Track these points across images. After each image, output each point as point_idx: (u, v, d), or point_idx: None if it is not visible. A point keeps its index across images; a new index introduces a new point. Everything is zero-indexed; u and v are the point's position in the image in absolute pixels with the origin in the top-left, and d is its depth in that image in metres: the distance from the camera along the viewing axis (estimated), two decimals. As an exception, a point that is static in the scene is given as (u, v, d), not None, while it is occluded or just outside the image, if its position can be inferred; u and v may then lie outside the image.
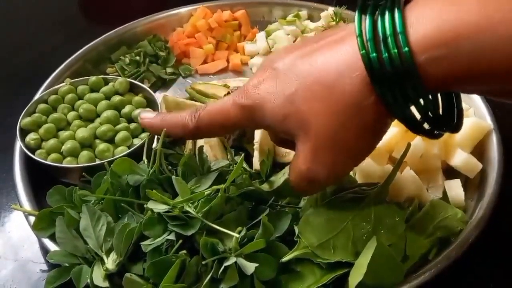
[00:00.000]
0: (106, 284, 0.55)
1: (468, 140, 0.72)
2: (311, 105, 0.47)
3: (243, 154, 0.65)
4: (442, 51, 0.40)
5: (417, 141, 0.68)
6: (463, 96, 0.79)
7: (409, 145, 0.61)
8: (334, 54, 0.46)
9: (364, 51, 0.43)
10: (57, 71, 0.89)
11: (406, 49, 0.41)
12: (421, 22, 0.41)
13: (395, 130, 0.70)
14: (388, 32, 0.42)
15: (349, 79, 0.44)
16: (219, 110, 0.55)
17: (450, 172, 0.71)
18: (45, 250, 0.64)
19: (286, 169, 0.69)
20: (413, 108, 0.46)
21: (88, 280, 0.56)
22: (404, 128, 0.69)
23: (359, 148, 0.49)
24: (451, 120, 0.50)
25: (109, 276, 0.56)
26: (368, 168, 0.68)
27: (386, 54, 0.42)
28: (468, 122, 0.73)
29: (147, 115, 0.63)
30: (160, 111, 0.77)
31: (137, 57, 0.95)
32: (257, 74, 0.52)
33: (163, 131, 0.59)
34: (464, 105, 0.76)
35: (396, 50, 0.41)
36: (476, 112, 0.77)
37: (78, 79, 0.82)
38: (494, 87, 0.43)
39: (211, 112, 0.56)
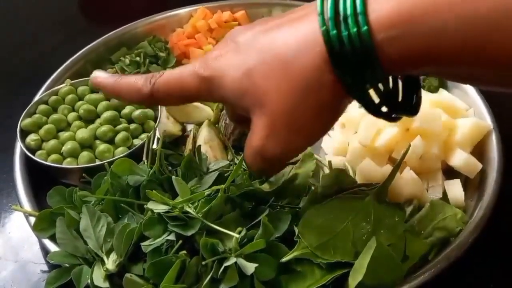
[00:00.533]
0: (107, 284, 0.55)
1: (468, 140, 0.72)
2: (268, 81, 0.46)
3: (243, 154, 0.65)
4: (399, 30, 0.41)
5: (417, 141, 0.68)
6: (463, 96, 0.79)
7: (409, 146, 0.62)
8: (295, 31, 0.46)
9: (324, 27, 0.43)
10: (57, 72, 0.89)
11: (365, 28, 0.41)
12: (380, 2, 0.42)
13: (395, 131, 0.70)
14: (348, 11, 0.42)
15: (308, 56, 0.44)
16: (177, 79, 0.53)
17: (450, 172, 0.71)
18: (45, 251, 0.64)
19: (286, 169, 0.69)
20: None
21: (89, 281, 0.56)
22: (404, 128, 0.70)
23: (314, 127, 0.49)
24: (409, 105, 0.51)
25: (109, 277, 0.56)
26: (368, 169, 0.68)
27: (346, 33, 0.42)
28: (468, 122, 0.73)
29: (100, 75, 0.59)
30: (160, 112, 0.77)
31: (137, 58, 0.95)
32: (219, 46, 0.51)
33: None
34: (464, 105, 0.77)
35: (355, 29, 0.42)
36: (476, 112, 0.78)
37: (79, 80, 0.83)
38: (458, 71, 0.43)
39: (168, 79, 0.54)
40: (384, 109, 0.48)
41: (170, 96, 0.54)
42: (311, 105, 0.46)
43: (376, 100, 0.47)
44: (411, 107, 0.51)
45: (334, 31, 0.43)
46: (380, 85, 0.46)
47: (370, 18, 0.41)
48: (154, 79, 0.54)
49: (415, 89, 0.51)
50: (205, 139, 0.73)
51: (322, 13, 0.44)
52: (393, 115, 0.50)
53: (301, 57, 0.45)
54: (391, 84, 0.49)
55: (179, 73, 0.53)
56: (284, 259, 0.56)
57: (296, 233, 0.58)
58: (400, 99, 0.50)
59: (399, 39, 0.41)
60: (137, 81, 0.55)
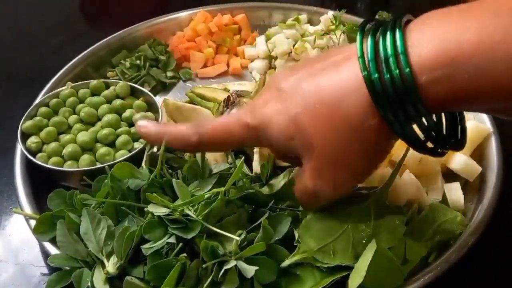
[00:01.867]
0: (107, 287, 0.55)
1: (468, 144, 0.71)
2: (315, 126, 0.47)
3: (243, 158, 0.65)
4: (443, 71, 0.41)
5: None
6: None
7: (408, 149, 0.62)
8: (337, 75, 0.47)
9: (366, 72, 0.44)
10: (58, 74, 0.89)
11: (408, 70, 0.41)
12: (421, 42, 0.42)
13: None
14: (389, 52, 0.43)
15: (352, 100, 0.45)
16: (223, 127, 0.55)
17: (450, 175, 0.71)
18: (45, 254, 0.64)
19: (287, 172, 0.70)
20: (416, 128, 0.46)
21: (89, 284, 0.56)
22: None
23: (362, 167, 0.50)
24: (454, 138, 0.51)
25: (110, 280, 0.56)
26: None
27: (388, 75, 0.42)
28: (467, 126, 0.72)
29: (145, 124, 0.60)
30: (161, 114, 0.77)
31: (138, 61, 0.95)
32: (263, 94, 0.53)
33: (163, 143, 0.58)
34: (463, 108, 0.77)
35: (397, 71, 0.42)
36: (475, 115, 0.78)
37: (79, 82, 0.83)
38: (499, 106, 0.43)
39: (215, 128, 0.56)
40: (429, 144, 0.49)
41: (216, 143, 0.56)
42: (358, 147, 0.47)
43: (421, 135, 0.47)
44: (457, 140, 0.52)
45: (376, 75, 0.43)
46: (424, 120, 0.46)
47: (412, 59, 0.41)
48: (201, 130, 0.56)
49: (460, 121, 0.52)
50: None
51: (362, 55, 0.44)
52: (439, 150, 0.50)
53: (345, 102, 0.45)
54: (434, 119, 0.48)
55: (225, 121, 0.56)
56: (284, 264, 0.56)
57: (296, 238, 0.58)
58: (444, 132, 0.50)
59: (443, 81, 0.41)
60: (183, 131, 0.57)
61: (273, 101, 0.51)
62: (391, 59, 0.42)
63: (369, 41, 0.45)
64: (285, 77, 0.51)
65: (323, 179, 0.50)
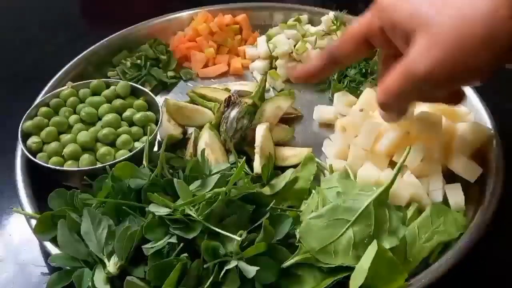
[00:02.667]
0: (108, 287, 0.55)
1: (468, 145, 0.72)
2: (443, 6, 0.50)
3: (244, 158, 0.65)
4: None
5: (418, 145, 0.68)
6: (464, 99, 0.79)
7: (409, 149, 0.62)
8: None
9: None
10: (58, 74, 0.89)
11: None
12: None
13: (395, 135, 0.70)
14: None
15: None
16: (352, 25, 0.61)
17: (451, 176, 0.71)
18: (46, 253, 0.64)
19: (287, 172, 0.70)
20: None
21: (90, 284, 0.56)
22: (405, 132, 0.70)
23: (471, 59, 0.49)
24: None
25: (111, 279, 0.56)
26: (369, 172, 0.68)
27: None
28: (468, 126, 0.73)
29: (294, 70, 0.69)
30: (161, 115, 0.77)
31: (139, 61, 0.95)
32: None
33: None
34: (464, 109, 0.77)
35: None
36: (476, 116, 0.78)
37: (80, 82, 0.83)
38: None
39: (344, 34, 0.63)
40: None
41: (345, 43, 0.61)
42: (480, 34, 0.47)
43: None
44: None
45: None
46: None
47: None
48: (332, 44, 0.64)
49: None
50: (206, 142, 0.73)
51: None
52: None
53: None
54: None
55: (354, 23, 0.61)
56: (286, 265, 0.56)
57: (298, 238, 0.58)
58: None
59: None
60: (322, 51, 0.65)
61: None
62: None
63: None
64: None
65: (426, 57, 0.50)
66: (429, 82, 0.51)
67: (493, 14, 0.47)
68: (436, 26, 0.49)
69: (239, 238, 0.54)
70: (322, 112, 0.84)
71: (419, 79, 0.51)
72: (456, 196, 0.68)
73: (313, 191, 0.67)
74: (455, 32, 0.48)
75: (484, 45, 0.48)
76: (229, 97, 0.77)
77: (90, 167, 0.70)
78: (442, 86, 0.52)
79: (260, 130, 0.74)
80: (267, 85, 0.92)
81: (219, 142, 0.75)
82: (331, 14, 0.98)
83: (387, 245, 0.57)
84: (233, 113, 0.75)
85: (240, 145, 0.75)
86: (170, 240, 0.55)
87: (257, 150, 0.72)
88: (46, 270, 0.66)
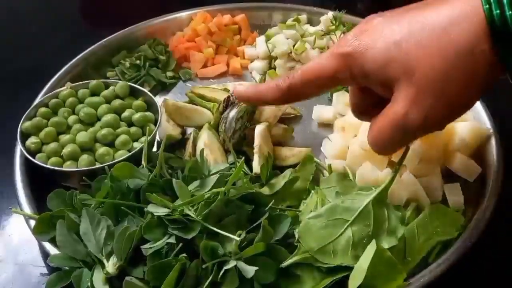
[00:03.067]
0: (107, 287, 0.55)
1: (467, 144, 0.72)
2: (418, 49, 0.47)
3: (243, 158, 0.65)
4: None
5: (416, 145, 0.68)
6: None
7: (407, 148, 0.62)
8: (447, 6, 0.48)
9: (487, 6, 0.45)
10: (57, 75, 0.89)
11: None
12: None
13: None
14: None
15: (463, 26, 0.46)
16: (313, 65, 0.56)
17: (450, 176, 0.71)
18: (45, 254, 0.64)
19: (286, 172, 0.70)
20: None
21: (89, 284, 0.56)
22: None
23: (461, 97, 0.49)
24: None
25: (110, 280, 0.56)
26: (368, 172, 0.68)
27: (510, 12, 0.44)
28: (467, 126, 0.73)
29: (239, 89, 0.64)
30: (160, 115, 0.77)
31: (138, 61, 0.95)
32: (357, 28, 0.53)
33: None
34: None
35: None
36: (475, 116, 0.78)
37: (79, 83, 0.83)
38: None
39: (304, 69, 0.56)
40: None
41: (307, 85, 0.56)
42: (462, 73, 0.47)
43: None
44: None
45: (498, 11, 0.44)
46: None
47: None
48: (291, 75, 0.57)
49: None
50: (205, 143, 0.73)
51: None
52: None
53: (455, 27, 0.46)
54: None
55: (316, 60, 0.56)
56: (284, 264, 0.56)
57: (297, 238, 0.58)
58: None
59: None
60: (274, 82, 0.59)
61: (370, 31, 0.51)
62: None
63: None
64: (381, 14, 0.52)
65: (417, 107, 0.48)
66: (423, 129, 0.51)
67: (473, 51, 0.46)
68: (418, 72, 0.47)
69: (238, 238, 0.54)
70: (321, 112, 0.84)
71: (413, 130, 0.50)
72: (455, 195, 0.68)
73: (312, 191, 0.67)
74: (439, 76, 0.47)
75: (469, 83, 0.47)
76: (228, 97, 0.77)
77: (89, 168, 0.70)
78: (435, 129, 0.52)
79: (259, 130, 0.74)
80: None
81: (218, 142, 0.75)
82: (330, 14, 0.98)
83: (385, 245, 0.58)
84: (232, 113, 0.75)
85: (239, 145, 0.75)
86: (169, 240, 0.55)
87: (256, 150, 0.72)
88: (45, 270, 0.66)
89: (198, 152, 0.68)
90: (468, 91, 0.48)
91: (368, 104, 0.58)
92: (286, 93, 0.58)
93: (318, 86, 0.57)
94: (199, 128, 0.78)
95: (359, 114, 0.60)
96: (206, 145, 0.73)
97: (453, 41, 0.46)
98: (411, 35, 0.48)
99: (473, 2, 0.46)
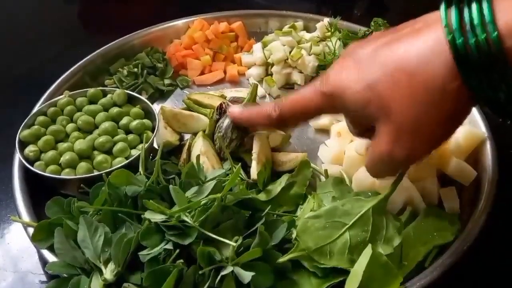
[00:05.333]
0: (104, 294, 0.56)
1: (463, 148, 0.72)
2: (392, 91, 0.49)
3: (240, 164, 0.65)
4: None
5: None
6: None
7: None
8: (416, 42, 0.48)
9: (451, 35, 0.45)
10: (56, 83, 0.89)
11: (495, 33, 0.43)
12: (509, 12, 0.43)
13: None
14: (476, 21, 0.44)
15: (432, 64, 0.47)
16: (300, 98, 0.59)
17: (445, 180, 0.71)
18: (44, 261, 0.64)
19: (283, 178, 0.70)
20: None
21: (87, 291, 0.56)
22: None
23: (438, 134, 0.51)
24: None
25: (107, 286, 0.56)
26: (364, 177, 0.68)
27: (474, 40, 0.44)
28: (462, 130, 0.73)
29: (234, 111, 0.71)
30: (157, 122, 0.78)
31: (135, 69, 0.96)
32: (338, 63, 0.55)
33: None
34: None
35: (484, 36, 0.43)
36: (470, 120, 0.78)
37: (77, 91, 0.83)
38: None
39: (292, 101, 0.60)
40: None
41: (295, 115, 0.61)
42: (436, 112, 0.48)
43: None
44: None
45: (461, 39, 0.45)
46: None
47: (499, 24, 0.43)
48: (280, 103, 0.62)
49: None
50: (201, 150, 0.74)
51: (447, 24, 0.46)
52: None
53: (425, 67, 0.47)
54: None
55: (302, 93, 0.59)
56: (281, 260, 0.56)
57: (294, 236, 0.58)
58: None
59: None
60: (266, 109, 0.64)
61: (349, 69, 0.52)
62: (478, 28, 0.44)
63: (453, 11, 0.46)
64: (361, 46, 0.53)
65: (398, 145, 0.51)
66: (410, 162, 0.54)
67: (444, 88, 0.47)
68: (394, 112, 0.49)
69: (234, 244, 0.54)
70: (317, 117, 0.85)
71: (399, 163, 0.53)
72: (451, 199, 0.69)
73: (309, 196, 0.67)
74: (412, 117, 0.49)
75: (442, 120, 0.49)
76: (221, 105, 0.77)
77: (87, 175, 0.71)
78: (421, 160, 0.54)
79: (259, 138, 0.74)
80: (263, 92, 0.93)
81: (213, 149, 0.75)
82: (326, 20, 0.99)
83: (383, 251, 0.58)
84: (226, 122, 0.75)
85: (236, 152, 0.75)
86: (166, 247, 0.56)
87: (254, 156, 0.72)
88: (44, 278, 0.66)
89: (192, 159, 0.68)
90: (443, 127, 0.50)
91: (362, 127, 0.60)
92: (275, 122, 0.63)
93: (306, 118, 0.63)
94: (195, 134, 0.79)
95: (357, 136, 0.63)
96: (202, 153, 0.73)
97: (424, 82, 0.47)
98: (385, 76, 0.49)
99: (440, 34, 0.46)
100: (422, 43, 0.48)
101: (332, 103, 0.55)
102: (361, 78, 0.51)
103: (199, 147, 0.74)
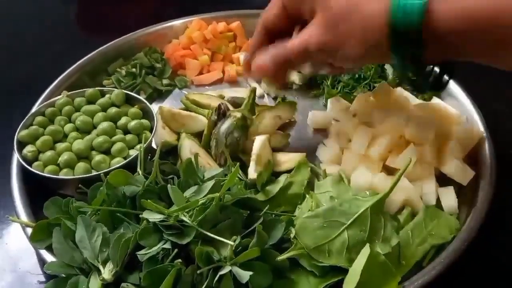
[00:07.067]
0: (103, 294, 0.56)
1: (461, 148, 0.72)
2: None
3: (238, 164, 0.65)
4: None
5: (410, 149, 0.69)
6: (456, 104, 0.80)
7: (409, 161, 0.62)
8: None
9: None
10: (54, 83, 0.89)
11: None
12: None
13: (388, 139, 0.71)
14: None
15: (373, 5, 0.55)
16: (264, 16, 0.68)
17: (443, 180, 0.71)
18: (42, 262, 0.64)
19: (282, 178, 0.70)
20: None
21: (85, 290, 0.56)
22: (397, 136, 0.71)
23: (348, 46, 0.58)
24: (438, 85, 0.63)
25: (106, 286, 0.56)
26: (362, 177, 0.69)
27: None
28: (460, 130, 0.73)
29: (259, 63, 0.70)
30: (156, 122, 0.78)
31: (134, 69, 0.96)
32: None
33: None
34: (456, 112, 0.78)
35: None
36: (468, 119, 0.78)
37: (75, 91, 0.83)
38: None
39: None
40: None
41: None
42: (359, 26, 0.56)
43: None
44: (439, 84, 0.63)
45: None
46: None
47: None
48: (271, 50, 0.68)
49: (448, 72, 0.62)
50: (191, 150, 0.73)
51: None
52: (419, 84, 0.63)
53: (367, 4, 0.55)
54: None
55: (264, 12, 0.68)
56: (280, 258, 0.56)
57: (293, 235, 0.58)
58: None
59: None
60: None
61: None
62: None
63: None
64: None
65: (331, 31, 0.58)
66: (337, 56, 0.60)
67: (373, 19, 0.55)
68: (329, 4, 0.57)
69: (232, 243, 0.54)
70: (316, 117, 0.85)
71: (328, 53, 0.60)
72: (449, 199, 0.69)
73: (307, 196, 0.67)
74: (347, 11, 0.56)
75: (358, 38, 0.56)
76: (220, 106, 0.77)
77: (85, 175, 0.71)
78: (347, 62, 0.62)
79: (260, 141, 0.74)
80: (262, 92, 0.93)
81: (202, 148, 0.75)
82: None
83: (381, 251, 0.58)
84: (223, 127, 0.74)
85: (234, 151, 0.75)
86: (164, 246, 0.56)
87: (253, 157, 0.72)
88: (43, 278, 0.66)
89: (183, 159, 0.68)
90: (356, 43, 0.57)
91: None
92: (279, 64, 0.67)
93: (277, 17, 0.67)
94: (193, 134, 0.79)
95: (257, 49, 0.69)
96: (193, 153, 0.72)
97: (361, 11, 0.55)
98: None
99: None
100: None
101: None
102: None
103: (188, 148, 0.74)
